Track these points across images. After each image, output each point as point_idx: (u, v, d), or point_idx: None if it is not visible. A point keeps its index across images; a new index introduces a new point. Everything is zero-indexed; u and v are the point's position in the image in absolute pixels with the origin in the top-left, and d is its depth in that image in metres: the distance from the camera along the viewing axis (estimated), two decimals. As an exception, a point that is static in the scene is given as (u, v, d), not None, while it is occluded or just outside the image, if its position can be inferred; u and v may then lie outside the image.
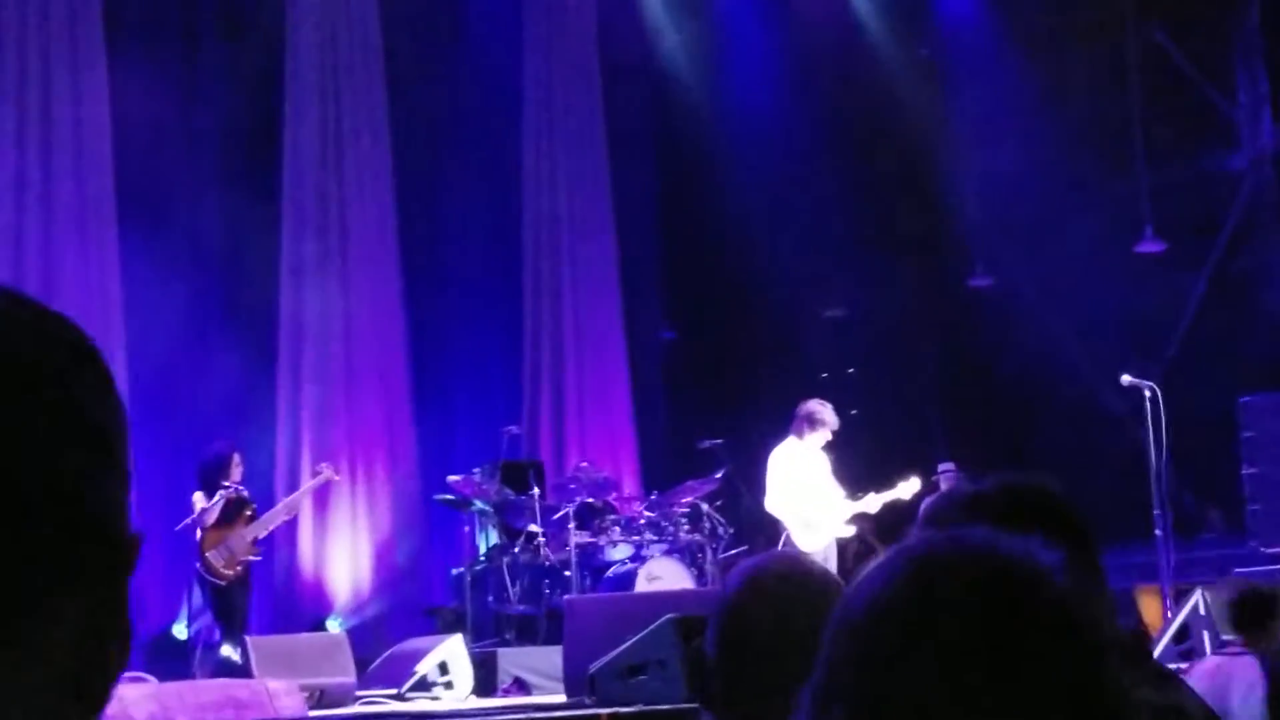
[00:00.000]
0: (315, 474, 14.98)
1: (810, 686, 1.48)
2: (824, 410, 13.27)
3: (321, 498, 16.03)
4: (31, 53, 15.32)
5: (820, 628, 2.63)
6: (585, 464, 16.43)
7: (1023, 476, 2.87)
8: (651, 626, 9.39)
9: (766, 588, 2.85)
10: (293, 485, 15.93)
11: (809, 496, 13.11)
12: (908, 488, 13.53)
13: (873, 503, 13.44)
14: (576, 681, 10.59)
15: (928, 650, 1.37)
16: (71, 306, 14.47)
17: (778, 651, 2.68)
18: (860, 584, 1.48)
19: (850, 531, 13.49)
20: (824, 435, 13.26)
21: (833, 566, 12.78)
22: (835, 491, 13.35)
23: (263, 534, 13.72)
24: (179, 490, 14.24)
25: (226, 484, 13.21)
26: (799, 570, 2.93)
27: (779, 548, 12.91)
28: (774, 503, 13.28)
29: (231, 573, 13.06)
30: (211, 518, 13.17)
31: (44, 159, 15.30)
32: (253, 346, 16.37)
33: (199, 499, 13.29)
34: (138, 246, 15.61)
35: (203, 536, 13.15)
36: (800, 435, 13.26)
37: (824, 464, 13.40)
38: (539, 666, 13.15)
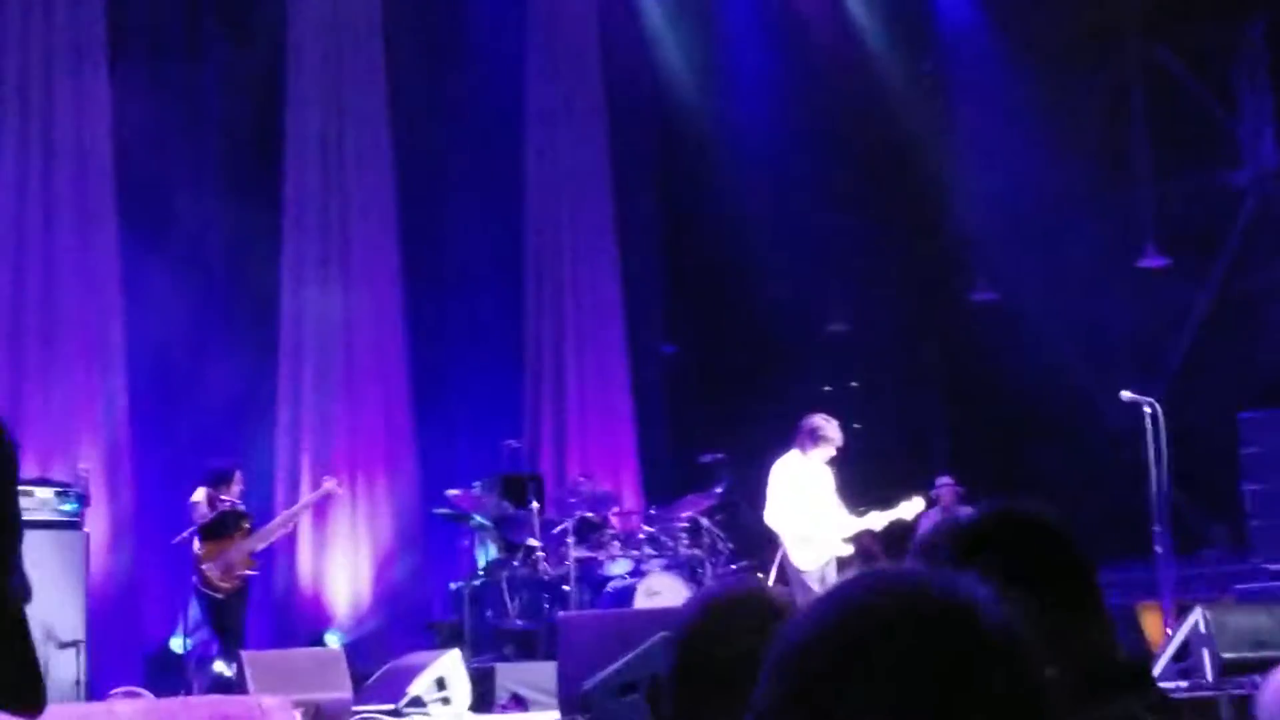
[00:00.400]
0: (318, 486, 14.88)
1: (749, 715, 1.47)
2: (828, 426, 12.79)
3: (321, 511, 16.00)
4: (34, 55, 15.32)
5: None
6: (582, 477, 16.40)
7: (1018, 504, 2.85)
8: (644, 645, 9.33)
9: (722, 613, 2.84)
10: (292, 497, 15.92)
11: (808, 513, 12.71)
12: (911, 507, 13.22)
13: (876, 520, 12.98)
14: (571, 699, 10.56)
15: (855, 685, 1.36)
16: (72, 314, 14.55)
17: (731, 677, 2.67)
18: (795, 619, 1.48)
19: (849, 550, 12.92)
20: (828, 451, 12.80)
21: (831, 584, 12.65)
22: (837, 509, 12.92)
23: (260, 547, 13.69)
24: (177, 503, 14.24)
25: (224, 498, 13.18)
26: (756, 597, 2.92)
27: (776, 564, 12.79)
28: (773, 516, 12.86)
29: (228, 585, 13.04)
30: (198, 515, 13.14)
31: (46, 163, 15.28)
32: (253, 358, 16.37)
33: (200, 494, 13.27)
34: (138, 253, 15.61)
35: (200, 549, 13.12)
36: (804, 450, 12.81)
37: (828, 480, 12.96)
38: (537, 682, 13.11)
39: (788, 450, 13.02)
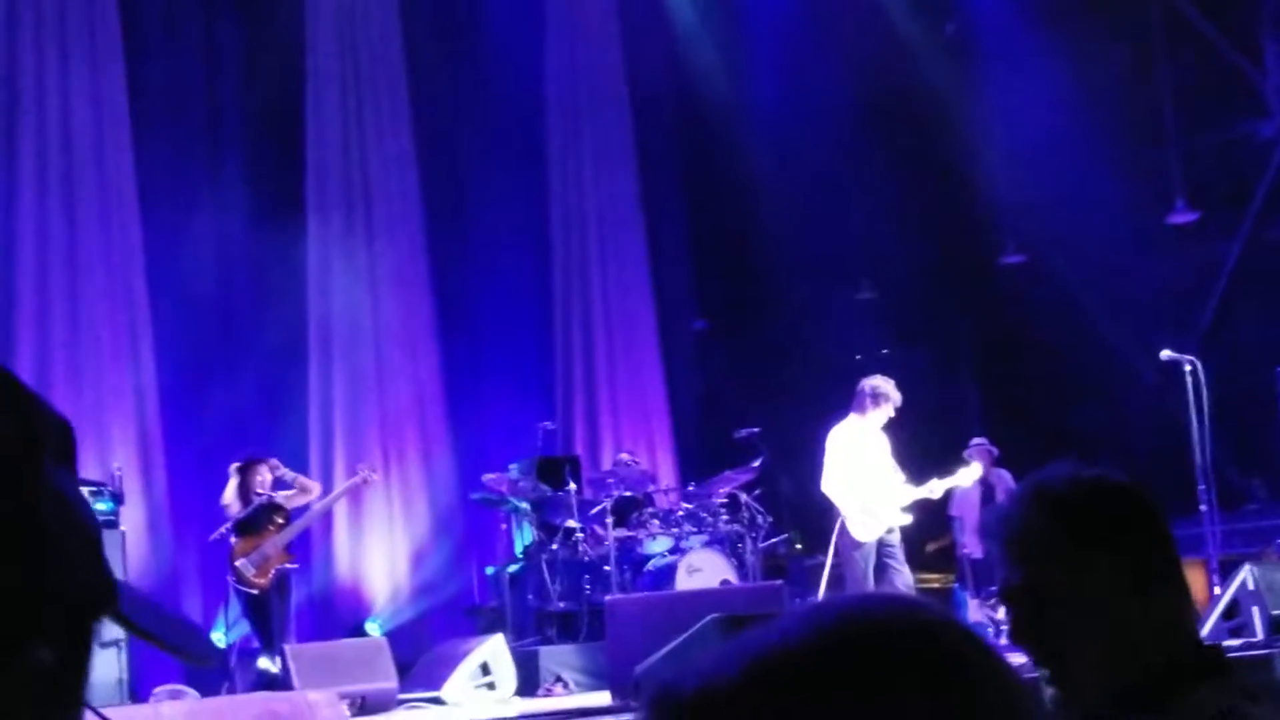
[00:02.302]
0: (354, 474, 14.73)
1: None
2: (887, 385, 12.48)
3: (357, 500, 15.95)
4: (49, 48, 15.22)
5: None
6: (625, 455, 16.30)
7: (1081, 472, 2.60)
8: (696, 627, 9.24)
9: None
10: (326, 485, 15.90)
11: (869, 481, 12.33)
12: (969, 474, 12.98)
13: (936, 489, 12.69)
14: (621, 684, 10.47)
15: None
16: (98, 306, 14.49)
17: None
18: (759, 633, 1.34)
19: (907, 520, 12.54)
20: (887, 412, 12.48)
21: (900, 556, 12.39)
22: (895, 475, 12.55)
23: (293, 535, 13.47)
24: (212, 494, 14.20)
25: (260, 491, 13.08)
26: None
27: (834, 536, 12.47)
28: (831, 485, 12.43)
29: (264, 581, 12.92)
30: (234, 509, 12.99)
31: (64, 158, 15.17)
32: (281, 344, 16.29)
33: (230, 493, 13.14)
34: (161, 243, 15.53)
35: (234, 545, 13.02)
36: (862, 412, 12.47)
37: (884, 444, 12.62)
38: (581, 664, 13.04)
39: (824, 420, 12.79)
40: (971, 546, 16.81)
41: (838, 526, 12.41)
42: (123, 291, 15.22)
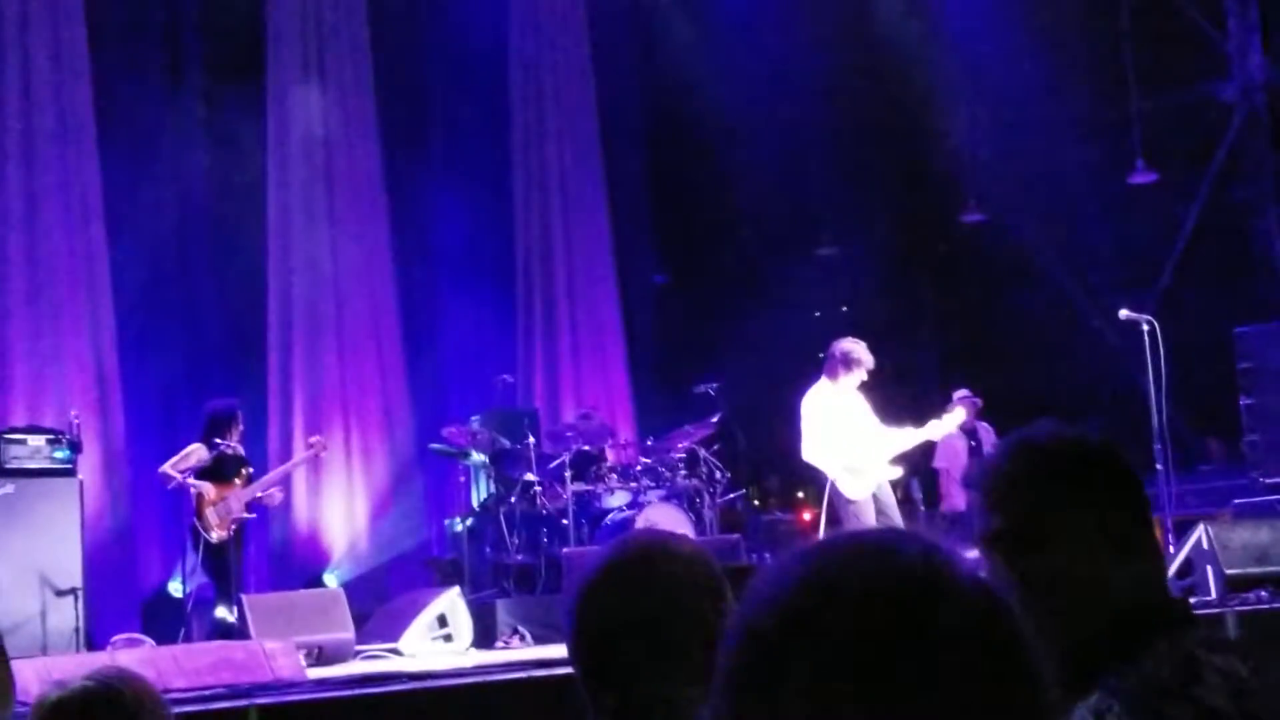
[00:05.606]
0: (309, 446, 14.55)
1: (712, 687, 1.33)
2: (858, 349, 12.22)
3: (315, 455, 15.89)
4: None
5: (676, 610, 2.55)
6: (586, 410, 16.29)
7: (1056, 429, 2.71)
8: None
9: (623, 571, 2.71)
10: (286, 433, 15.87)
11: (848, 442, 12.14)
12: (954, 419, 12.84)
13: (935, 430, 12.68)
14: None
15: (816, 660, 1.23)
16: (58, 251, 14.31)
17: (632, 636, 2.59)
18: (754, 584, 1.33)
19: (897, 472, 12.41)
20: (859, 375, 12.22)
21: (893, 509, 12.29)
22: (879, 430, 12.37)
23: (256, 495, 13.38)
24: (170, 441, 14.09)
25: (218, 440, 12.98)
26: (660, 551, 2.75)
27: (826, 497, 12.39)
28: (811, 452, 12.27)
29: (225, 532, 12.88)
30: (187, 472, 12.86)
31: (22, 88, 14.97)
32: (241, 292, 16.20)
33: (197, 450, 13.02)
34: (120, 185, 15.37)
35: (200, 493, 12.90)
36: (834, 377, 12.24)
37: (862, 404, 12.40)
38: (538, 616, 13.06)
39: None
40: (955, 498, 16.90)
41: (828, 489, 12.27)
42: (80, 233, 15.01)
